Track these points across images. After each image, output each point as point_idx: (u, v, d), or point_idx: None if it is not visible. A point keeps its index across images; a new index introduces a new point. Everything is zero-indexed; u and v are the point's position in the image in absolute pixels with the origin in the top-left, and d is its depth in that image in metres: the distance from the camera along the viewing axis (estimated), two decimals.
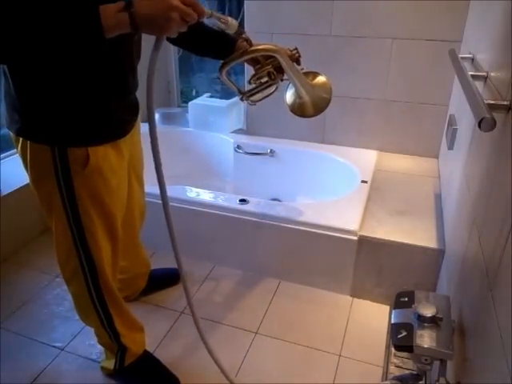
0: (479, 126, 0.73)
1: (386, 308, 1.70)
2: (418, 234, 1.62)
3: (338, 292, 1.76)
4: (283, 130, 2.34)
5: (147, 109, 0.95)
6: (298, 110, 1.43)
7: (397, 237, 1.61)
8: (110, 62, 1.02)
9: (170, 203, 1.89)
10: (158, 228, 1.63)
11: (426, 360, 0.93)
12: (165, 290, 1.77)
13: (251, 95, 1.37)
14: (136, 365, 1.38)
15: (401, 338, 0.93)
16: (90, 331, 1.42)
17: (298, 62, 1.33)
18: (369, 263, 1.67)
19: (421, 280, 1.61)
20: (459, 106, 1.68)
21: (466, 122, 1.41)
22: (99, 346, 1.42)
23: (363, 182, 1.94)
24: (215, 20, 1.00)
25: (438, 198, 1.86)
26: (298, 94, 1.41)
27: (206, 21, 1.01)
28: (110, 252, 1.22)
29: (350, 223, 1.66)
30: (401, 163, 2.18)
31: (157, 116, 2.59)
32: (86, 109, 1.02)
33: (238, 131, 2.47)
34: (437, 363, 0.96)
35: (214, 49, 1.20)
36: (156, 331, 1.57)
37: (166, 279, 1.79)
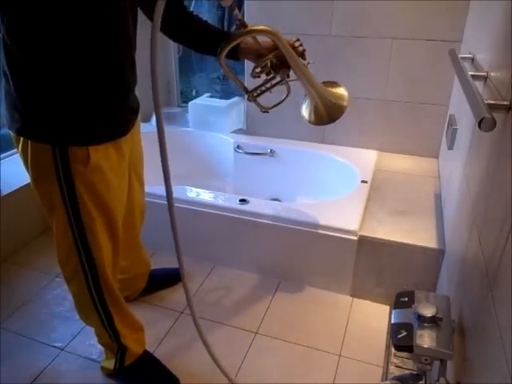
0: (479, 126, 0.73)
1: (386, 308, 1.70)
2: (418, 234, 1.62)
3: (338, 292, 1.76)
4: (283, 130, 2.34)
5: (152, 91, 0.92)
6: (313, 116, 1.33)
7: (397, 237, 1.61)
8: (110, 60, 1.02)
9: None
10: (158, 228, 1.63)
11: (425, 360, 0.93)
12: (165, 290, 1.77)
13: (258, 94, 1.30)
14: (136, 365, 1.38)
15: (401, 338, 0.93)
16: (89, 331, 1.42)
17: (303, 57, 1.26)
18: (369, 263, 1.67)
19: (421, 280, 1.61)
20: (459, 106, 1.68)
21: (466, 121, 1.41)
22: (99, 346, 1.42)
23: (363, 182, 1.94)
24: None
25: (438, 198, 1.86)
26: (308, 97, 1.33)
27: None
28: (110, 251, 1.22)
29: (350, 223, 1.66)
30: (401, 163, 2.18)
31: None
32: (86, 107, 1.02)
33: (238, 131, 2.47)
34: (437, 363, 0.96)
35: (215, 46, 1.18)
36: (156, 331, 1.57)
37: (166, 279, 1.79)
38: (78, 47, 0.96)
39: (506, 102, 0.84)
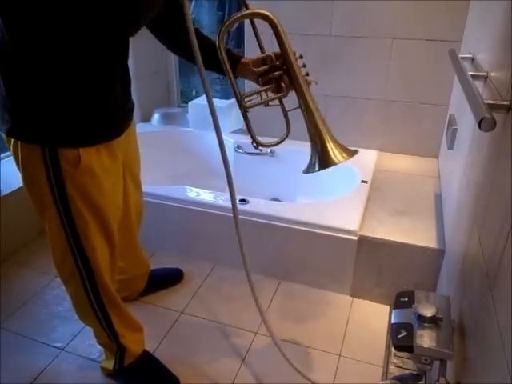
0: (479, 126, 0.73)
1: (386, 308, 1.70)
2: (418, 234, 1.62)
3: (338, 292, 1.76)
4: (283, 130, 2.33)
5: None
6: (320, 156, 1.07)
7: (397, 237, 1.61)
8: (102, 64, 1.01)
9: (170, 203, 1.89)
10: (157, 228, 1.63)
11: (425, 360, 0.93)
12: (165, 290, 1.77)
13: (251, 105, 1.11)
14: (136, 365, 1.38)
15: (401, 338, 0.93)
16: (89, 331, 1.41)
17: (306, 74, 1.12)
18: (369, 263, 1.67)
19: (421, 280, 1.61)
20: (459, 106, 1.68)
21: (466, 121, 1.41)
22: (99, 346, 1.42)
23: (363, 182, 1.94)
24: None
25: (438, 198, 1.86)
26: (308, 124, 1.11)
27: None
28: (106, 253, 1.21)
29: (350, 223, 1.66)
30: (401, 163, 2.18)
31: (157, 116, 2.59)
32: (76, 109, 1.01)
33: (238, 131, 2.47)
34: (437, 363, 0.96)
35: (218, 63, 1.10)
36: (156, 331, 1.57)
37: (166, 279, 1.79)
38: (72, 51, 0.95)
39: (506, 102, 0.84)
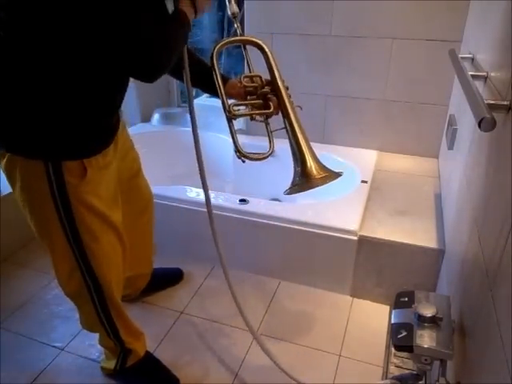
0: (479, 126, 0.73)
1: (386, 308, 1.70)
2: (418, 234, 1.62)
3: (338, 292, 1.76)
4: (283, 130, 2.33)
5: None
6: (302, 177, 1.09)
7: (397, 237, 1.61)
8: (105, 85, 1.02)
9: (170, 203, 1.89)
10: (157, 228, 1.63)
11: (425, 360, 0.93)
12: (165, 290, 1.77)
13: (239, 114, 1.16)
14: (137, 365, 1.38)
15: (401, 338, 0.93)
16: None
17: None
18: (369, 263, 1.67)
19: (421, 280, 1.61)
20: (459, 106, 1.68)
21: (466, 121, 1.41)
22: (99, 346, 1.42)
23: (363, 182, 1.94)
24: None
25: (438, 198, 1.86)
26: (292, 146, 1.14)
27: None
28: (114, 263, 1.21)
29: (350, 223, 1.66)
30: (401, 163, 2.18)
31: (157, 116, 2.59)
32: (80, 122, 1.01)
33: (238, 131, 2.46)
34: (437, 363, 0.96)
35: (205, 82, 1.19)
36: (156, 331, 1.57)
37: (166, 279, 1.79)
38: (78, 73, 0.95)
39: (506, 102, 0.84)
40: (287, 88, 1.13)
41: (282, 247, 1.78)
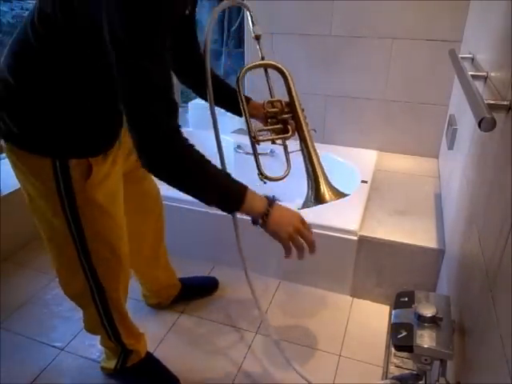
0: (479, 126, 0.73)
1: (386, 308, 1.70)
2: (418, 234, 1.62)
3: (338, 292, 1.76)
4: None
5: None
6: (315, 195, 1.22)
7: (397, 237, 1.61)
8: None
9: (170, 203, 1.88)
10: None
11: (425, 360, 0.93)
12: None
13: (261, 139, 1.22)
14: (137, 365, 1.38)
15: (401, 338, 0.93)
16: None
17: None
18: (369, 263, 1.67)
19: (421, 280, 1.61)
20: (459, 106, 1.68)
21: (466, 121, 1.41)
22: (99, 346, 1.42)
23: (363, 182, 1.94)
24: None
25: (438, 198, 1.86)
26: (307, 167, 1.25)
27: None
28: (117, 262, 1.20)
29: (350, 223, 1.66)
30: (401, 163, 2.18)
31: None
32: (90, 124, 1.02)
33: (238, 131, 2.47)
34: (437, 363, 0.96)
35: (229, 103, 1.23)
36: (156, 331, 1.57)
37: (202, 287, 1.78)
38: (95, 88, 0.97)
39: (506, 102, 0.84)
40: (303, 110, 1.21)
41: (281, 247, 1.77)
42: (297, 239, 1.04)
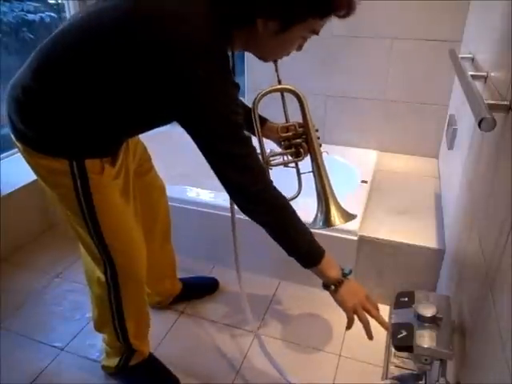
0: (479, 126, 0.73)
1: (386, 308, 1.69)
2: (418, 234, 1.62)
3: None
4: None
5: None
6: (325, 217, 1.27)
7: (397, 237, 1.61)
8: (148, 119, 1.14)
9: (170, 203, 1.89)
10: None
11: (425, 360, 0.93)
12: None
13: (274, 163, 1.26)
14: (137, 365, 1.37)
15: (401, 338, 0.93)
16: (90, 331, 1.42)
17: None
18: (369, 263, 1.67)
19: (421, 280, 1.61)
20: (459, 106, 1.68)
21: (466, 121, 1.41)
22: (99, 346, 1.42)
23: (363, 182, 1.94)
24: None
25: (438, 198, 1.86)
26: (318, 189, 1.29)
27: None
28: (134, 258, 1.23)
29: (350, 223, 1.65)
30: (401, 163, 2.18)
31: None
32: (105, 130, 1.06)
33: None
34: (437, 363, 0.96)
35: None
36: (156, 331, 1.57)
37: (202, 288, 1.78)
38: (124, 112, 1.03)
39: (506, 102, 0.84)
40: (317, 130, 1.26)
41: (281, 248, 1.77)
42: (361, 312, 1.11)
